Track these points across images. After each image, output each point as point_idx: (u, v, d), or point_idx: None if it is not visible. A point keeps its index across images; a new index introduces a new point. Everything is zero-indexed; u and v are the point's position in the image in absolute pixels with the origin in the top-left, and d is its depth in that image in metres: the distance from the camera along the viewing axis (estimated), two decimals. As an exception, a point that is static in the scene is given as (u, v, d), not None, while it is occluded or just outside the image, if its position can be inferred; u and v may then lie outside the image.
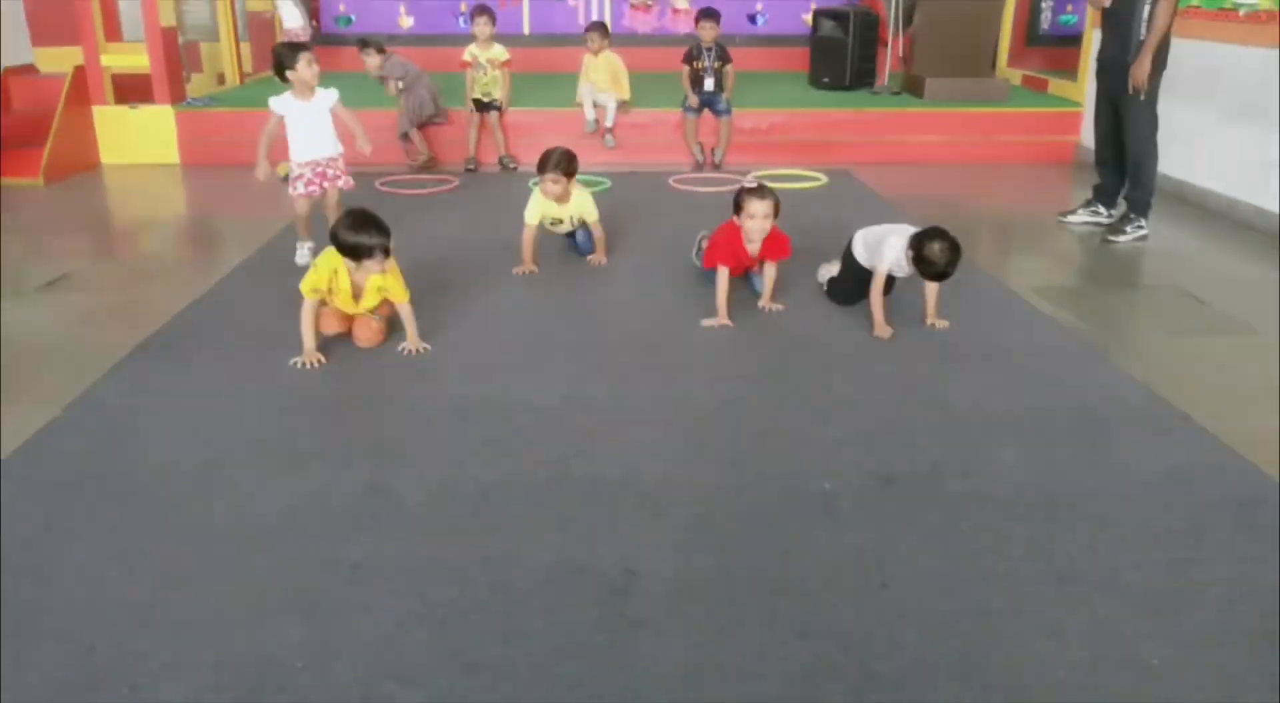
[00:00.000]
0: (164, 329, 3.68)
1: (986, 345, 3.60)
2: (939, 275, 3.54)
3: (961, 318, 3.81)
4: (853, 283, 3.88)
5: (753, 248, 3.80)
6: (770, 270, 3.88)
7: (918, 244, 3.50)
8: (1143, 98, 4.88)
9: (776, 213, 3.69)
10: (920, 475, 2.64)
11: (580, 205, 4.46)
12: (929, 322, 3.73)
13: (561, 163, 4.29)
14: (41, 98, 6.64)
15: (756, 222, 3.66)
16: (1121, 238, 5.02)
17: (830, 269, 4.09)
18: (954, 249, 3.45)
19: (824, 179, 6.30)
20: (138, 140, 6.80)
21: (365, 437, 2.89)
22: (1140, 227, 5.05)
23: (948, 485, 2.59)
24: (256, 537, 2.34)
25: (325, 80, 4.58)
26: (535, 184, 4.49)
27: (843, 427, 2.92)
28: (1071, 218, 5.41)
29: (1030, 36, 9.25)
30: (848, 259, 3.90)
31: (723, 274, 3.71)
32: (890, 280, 3.73)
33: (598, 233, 4.53)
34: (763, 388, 3.22)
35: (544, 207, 4.41)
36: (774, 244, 3.81)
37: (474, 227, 5.23)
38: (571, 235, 4.64)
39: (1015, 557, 2.27)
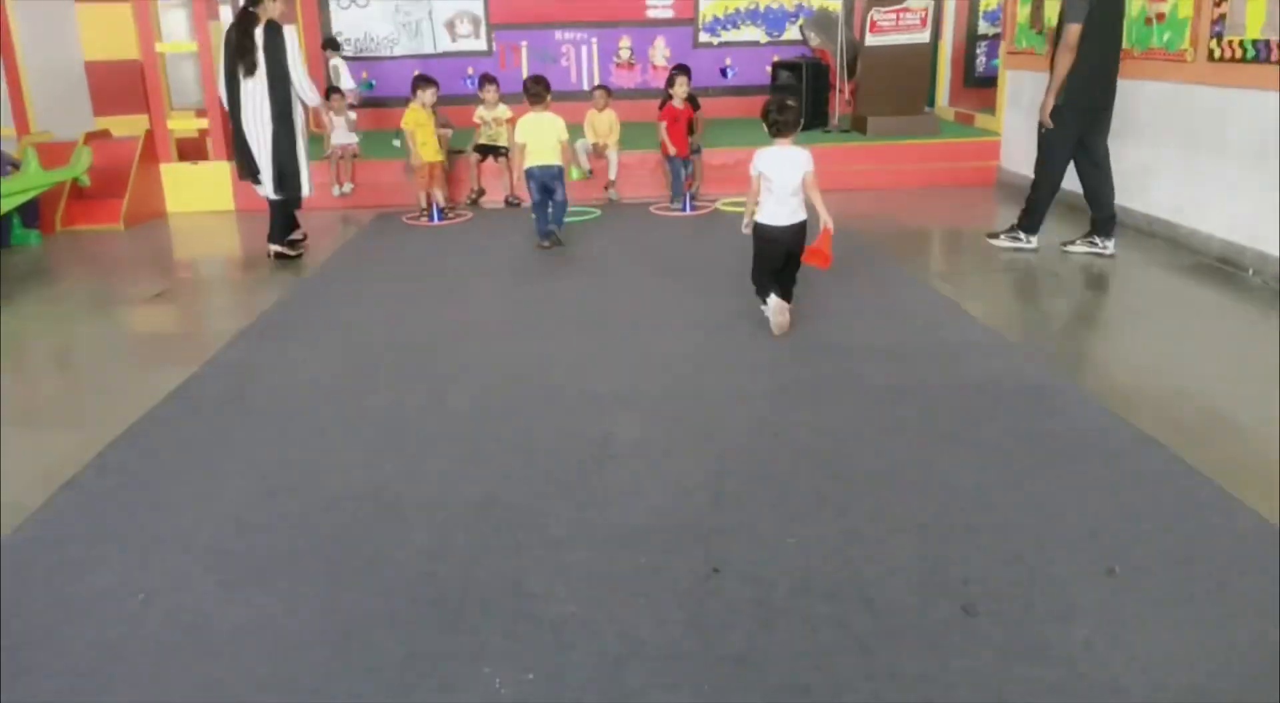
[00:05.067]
0: (256, 321, 4.84)
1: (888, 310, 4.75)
2: None
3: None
4: None
5: None
6: None
7: None
8: (1043, 131, 5.63)
9: None
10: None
11: None
12: None
13: None
14: (117, 157, 7.86)
15: None
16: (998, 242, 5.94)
17: None
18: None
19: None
20: (199, 191, 8.02)
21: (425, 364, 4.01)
22: (1017, 238, 5.86)
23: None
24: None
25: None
26: None
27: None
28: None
29: (967, 79, 10.54)
30: None
31: None
32: None
33: None
34: (709, 339, 4.34)
35: None
36: None
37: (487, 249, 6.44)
38: None
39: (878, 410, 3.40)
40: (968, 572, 2.44)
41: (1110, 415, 3.39)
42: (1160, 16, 5.90)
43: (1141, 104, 6.17)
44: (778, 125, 4.41)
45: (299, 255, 6.28)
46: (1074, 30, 5.30)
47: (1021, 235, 5.93)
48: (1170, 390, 3.67)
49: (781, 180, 4.29)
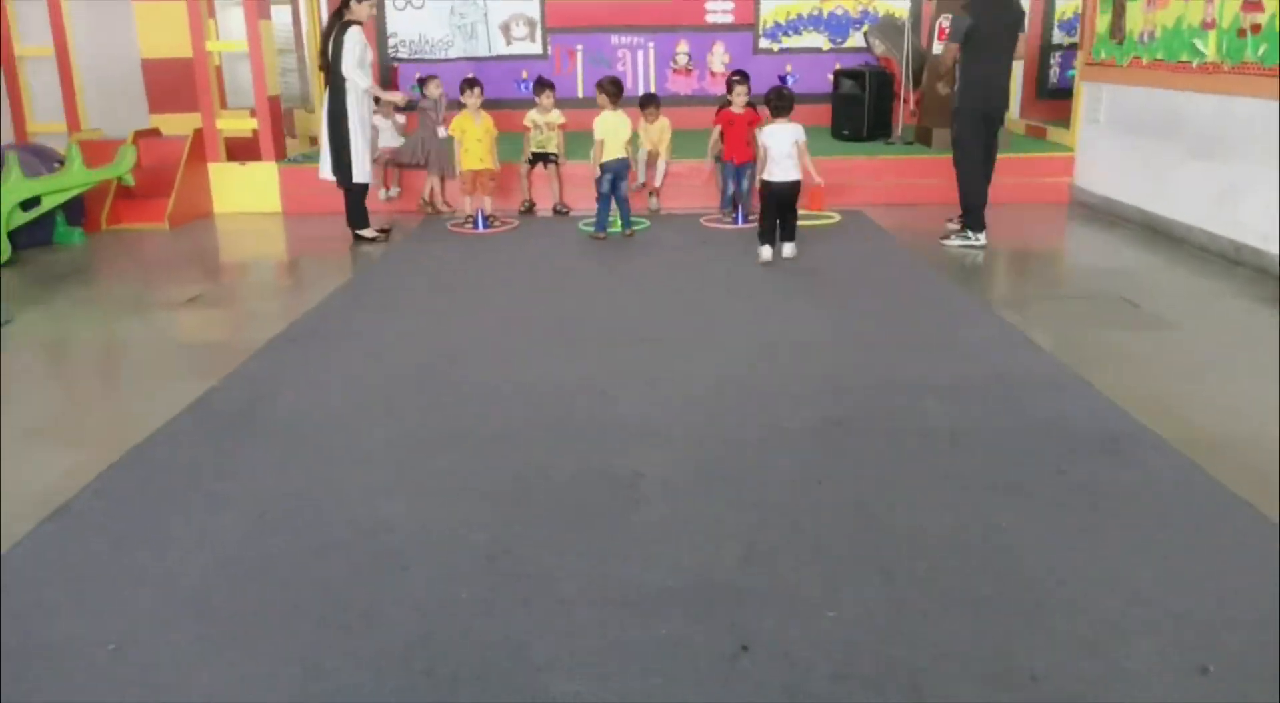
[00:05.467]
0: (284, 332, 4.67)
1: (943, 337, 4.41)
2: None
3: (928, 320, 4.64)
4: None
5: None
6: None
7: None
8: (954, 137, 6.36)
9: None
10: (865, 418, 3.46)
11: None
12: None
13: None
14: (165, 156, 7.81)
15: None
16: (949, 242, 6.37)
17: None
18: None
19: (837, 218, 7.17)
20: (246, 192, 7.93)
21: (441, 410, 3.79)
22: (966, 237, 6.33)
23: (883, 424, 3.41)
24: (372, 455, 3.24)
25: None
26: None
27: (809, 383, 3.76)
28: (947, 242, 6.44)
29: (1040, 90, 10.08)
30: None
31: None
32: None
33: None
34: (754, 367, 4.05)
35: None
36: None
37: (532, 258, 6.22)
38: None
39: (923, 463, 3.09)
40: (1034, 663, 2.13)
41: (1196, 470, 3.04)
42: (1255, 28, 5.47)
43: (1230, 122, 5.74)
44: (776, 108, 5.92)
45: (383, 237, 6.79)
46: (951, 49, 6.09)
47: (970, 234, 6.34)
48: (1263, 444, 3.29)
49: (777, 147, 5.77)
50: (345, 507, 2.89)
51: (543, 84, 7.56)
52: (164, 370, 4.28)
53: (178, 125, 8.37)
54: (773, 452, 3.23)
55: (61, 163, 6.88)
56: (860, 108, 8.77)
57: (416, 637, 2.26)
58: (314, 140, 9.24)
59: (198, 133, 7.84)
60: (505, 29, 10.10)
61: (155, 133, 8.16)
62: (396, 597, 2.42)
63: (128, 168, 7.05)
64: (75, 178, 6.59)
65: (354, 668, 2.15)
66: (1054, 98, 9.92)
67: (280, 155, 8.06)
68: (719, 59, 10.23)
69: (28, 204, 6.30)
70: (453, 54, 10.13)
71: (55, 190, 6.44)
